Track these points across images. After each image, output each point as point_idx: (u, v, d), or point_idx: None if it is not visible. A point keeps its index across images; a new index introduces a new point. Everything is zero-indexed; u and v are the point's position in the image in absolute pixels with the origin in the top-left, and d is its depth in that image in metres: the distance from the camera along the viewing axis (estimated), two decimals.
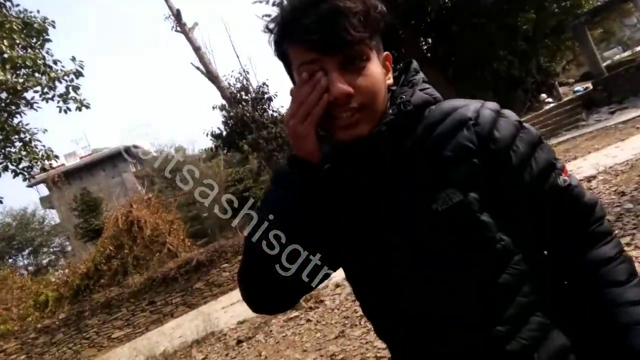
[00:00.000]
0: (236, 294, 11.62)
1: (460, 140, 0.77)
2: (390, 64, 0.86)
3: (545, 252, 0.83)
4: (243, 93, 19.20)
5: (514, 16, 16.96)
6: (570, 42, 19.31)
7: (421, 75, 0.87)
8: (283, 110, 19.64)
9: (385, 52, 0.85)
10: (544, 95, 18.62)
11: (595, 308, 0.76)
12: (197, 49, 18.36)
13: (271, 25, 0.80)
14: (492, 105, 0.82)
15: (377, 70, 0.78)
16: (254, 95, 19.04)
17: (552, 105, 16.63)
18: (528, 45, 18.36)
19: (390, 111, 0.79)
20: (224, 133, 18.52)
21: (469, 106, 0.81)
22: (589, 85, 15.94)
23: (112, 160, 36.36)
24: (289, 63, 0.81)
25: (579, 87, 18.98)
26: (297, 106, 0.76)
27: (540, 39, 18.70)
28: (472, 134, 0.77)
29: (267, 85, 19.72)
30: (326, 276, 0.89)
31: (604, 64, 16.25)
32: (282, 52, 0.81)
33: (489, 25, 16.39)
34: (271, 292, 0.84)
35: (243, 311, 7.71)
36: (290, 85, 0.83)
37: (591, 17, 15.73)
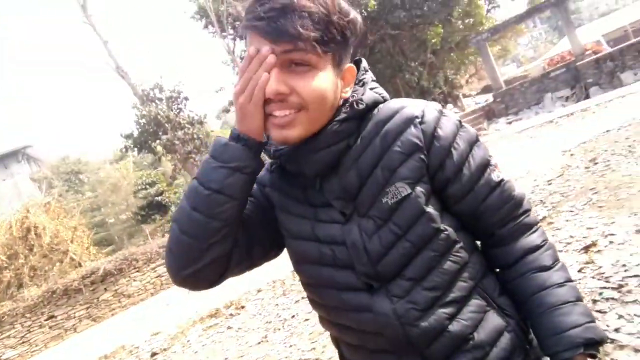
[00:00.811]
0: (150, 303, 10.99)
1: (408, 136, 0.80)
2: (353, 77, 0.84)
3: (479, 242, 0.91)
4: (157, 91, 18.33)
5: (423, 30, 18.06)
6: (473, 56, 20.99)
7: (370, 74, 0.88)
8: (201, 112, 19.04)
9: (349, 65, 0.83)
10: (450, 106, 20.05)
11: (525, 291, 0.83)
12: (105, 43, 17.11)
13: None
14: (436, 105, 0.85)
15: (325, 79, 0.75)
16: (168, 94, 18.23)
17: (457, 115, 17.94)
18: (436, 58, 19.66)
19: (343, 109, 0.80)
20: (136, 133, 17.48)
21: (415, 105, 0.84)
22: (490, 97, 17.43)
23: (3, 161, 32.62)
24: None
25: (480, 99, 20.69)
26: (244, 83, 0.74)
27: (446, 52, 20.13)
28: (419, 131, 0.80)
29: (182, 84, 18.97)
30: (267, 253, 0.92)
31: (502, 79, 17.87)
32: (244, 37, 0.80)
33: (402, 37, 17.27)
34: (209, 257, 0.80)
35: (158, 322, 7.28)
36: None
37: (491, 34, 17.24)
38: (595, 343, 0.78)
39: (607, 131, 7.11)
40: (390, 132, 0.81)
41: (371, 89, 0.85)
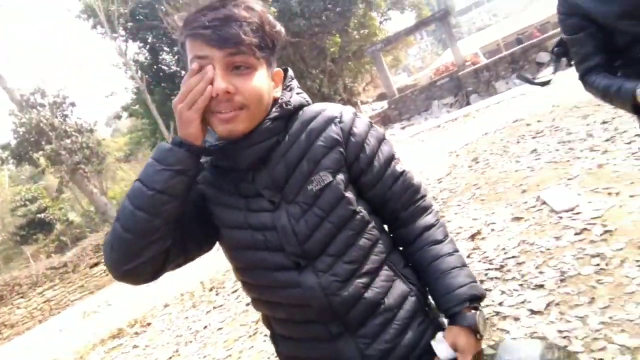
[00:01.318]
0: (38, 331, 9.87)
1: (329, 133, 0.94)
2: (281, 80, 0.97)
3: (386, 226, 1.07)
4: (38, 96, 16.54)
5: (322, 39, 18.71)
6: (368, 65, 22.21)
7: (296, 82, 1.01)
8: (90, 119, 17.56)
9: (277, 69, 0.95)
10: None
11: (424, 261, 1.01)
12: None
13: (178, 20, 0.82)
14: (350, 108, 1.00)
15: (262, 80, 0.87)
16: (52, 99, 16.55)
17: None
18: (335, 66, 20.47)
19: (274, 109, 0.91)
20: (13, 143, 15.54)
21: (334, 107, 0.99)
22: (385, 104, 18.56)
23: None
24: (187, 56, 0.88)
25: (376, 106, 21.93)
26: (185, 93, 0.82)
27: (344, 61, 21.05)
28: (338, 128, 0.94)
29: (68, 88, 17.46)
30: (201, 248, 0.99)
31: (395, 87, 19.15)
32: (182, 44, 0.88)
33: (302, 45, 17.70)
34: (150, 253, 0.86)
35: (50, 350, 6.60)
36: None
37: (384, 45, 18.42)
38: (477, 298, 0.96)
39: (486, 134, 8.02)
40: (314, 129, 0.94)
41: (297, 93, 0.98)
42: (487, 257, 3.32)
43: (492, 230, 3.75)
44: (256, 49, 0.84)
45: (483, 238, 3.70)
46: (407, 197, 1.01)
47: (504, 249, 3.30)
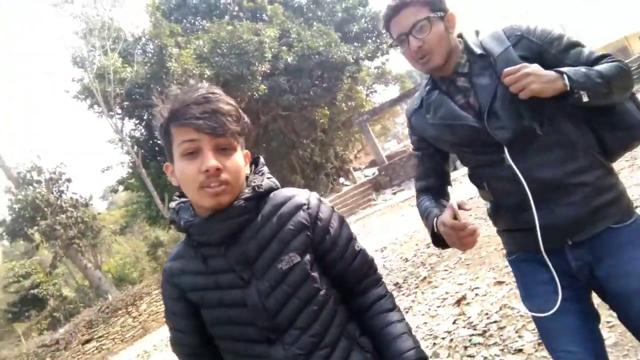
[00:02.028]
0: None
1: (298, 218, 1.07)
2: (249, 160, 1.13)
3: (342, 296, 1.17)
4: (35, 173, 16.94)
5: (312, 111, 19.59)
6: (358, 134, 23.04)
7: (266, 167, 1.16)
8: (86, 193, 17.79)
9: (246, 151, 1.11)
10: (342, 179, 21.44)
11: (377, 327, 1.12)
12: None
13: (163, 112, 1.03)
14: (315, 195, 1.15)
15: (240, 159, 1.04)
16: (48, 175, 16.93)
17: (349, 187, 19.24)
18: (325, 136, 21.23)
19: (247, 191, 1.05)
20: (8, 219, 15.65)
21: (302, 194, 1.13)
22: (376, 170, 19.06)
23: None
24: (170, 141, 1.03)
25: (368, 172, 22.45)
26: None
27: (334, 130, 21.88)
28: (306, 214, 1.08)
29: (64, 165, 17.81)
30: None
31: (385, 154, 19.79)
32: (166, 131, 1.03)
33: (293, 117, 18.48)
34: None
35: None
36: None
37: (371, 115, 19.29)
38: (423, 359, 1.10)
39: (471, 198, 8.28)
40: (284, 214, 1.07)
41: (268, 178, 1.12)
42: (472, 322, 3.42)
43: (477, 294, 3.87)
44: (237, 134, 1.01)
45: (468, 303, 3.81)
46: (364, 271, 1.15)
47: (487, 313, 3.42)
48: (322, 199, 1.17)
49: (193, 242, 1.09)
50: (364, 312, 1.16)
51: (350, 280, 1.15)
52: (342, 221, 1.16)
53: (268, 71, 17.07)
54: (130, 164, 19.32)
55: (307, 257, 1.06)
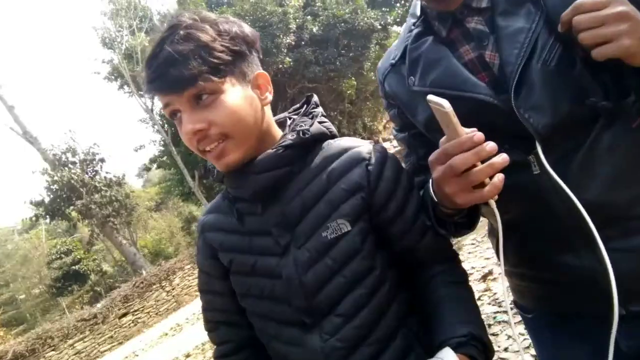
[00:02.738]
0: None
1: (354, 176, 0.83)
2: (267, 82, 0.86)
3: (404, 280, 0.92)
4: (70, 154, 17.48)
5: (339, 82, 19.16)
6: None
7: (320, 109, 0.92)
8: (119, 172, 18.30)
9: (258, 72, 0.85)
10: None
11: (440, 297, 0.86)
12: (10, 108, 16.19)
13: None
14: (381, 147, 0.88)
15: (235, 99, 0.78)
16: (82, 156, 17.44)
17: None
18: (353, 107, 20.81)
19: (290, 136, 0.84)
20: (47, 200, 16.33)
21: (363, 146, 0.87)
22: None
23: None
24: None
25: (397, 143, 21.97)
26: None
27: (362, 101, 21.40)
28: (365, 171, 0.83)
29: (97, 146, 18.28)
30: None
31: None
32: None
33: (319, 89, 18.15)
34: None
35: None
36: None
37: None
38: (484, 345, 0.81)
39: None
40: (338, 169, 0.84)
41: (320, 122, 0.89)
42: (497, 299, 3.20)
43: None
44: (210, 75, 0.74)
45: (494, 279, 3.58)
46: (437, 247, 0.89)
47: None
48: (389, 153, 0.89)
49: (229, 194, 0.91)
50: (427, 282, 0.90)
51: (420, 257, 0.90)
52: (412, 185, 0.89)
53: (293, 43, 16.72)
54: (162, 142, 19.65)
55: (359, 225, 0.83)
